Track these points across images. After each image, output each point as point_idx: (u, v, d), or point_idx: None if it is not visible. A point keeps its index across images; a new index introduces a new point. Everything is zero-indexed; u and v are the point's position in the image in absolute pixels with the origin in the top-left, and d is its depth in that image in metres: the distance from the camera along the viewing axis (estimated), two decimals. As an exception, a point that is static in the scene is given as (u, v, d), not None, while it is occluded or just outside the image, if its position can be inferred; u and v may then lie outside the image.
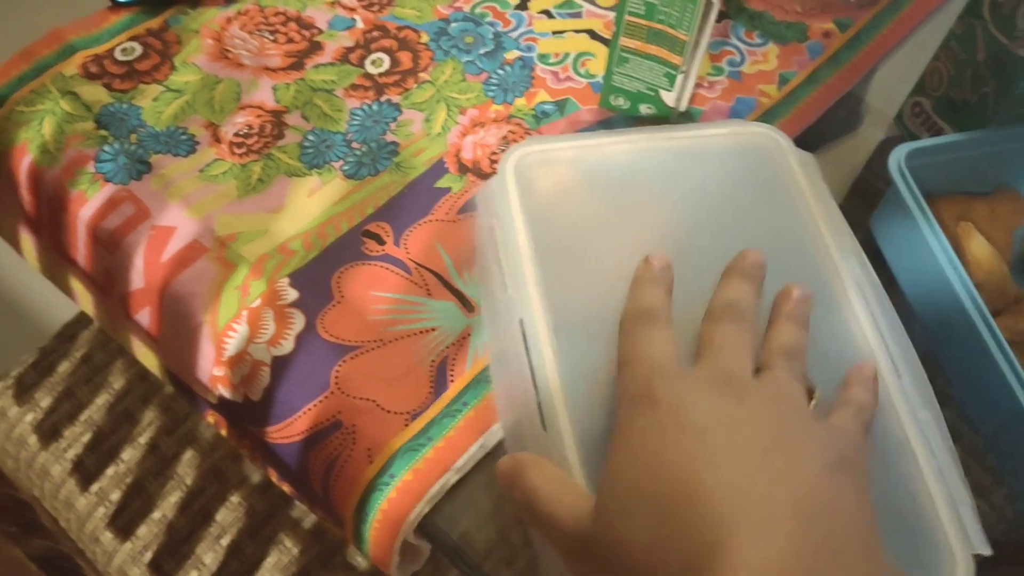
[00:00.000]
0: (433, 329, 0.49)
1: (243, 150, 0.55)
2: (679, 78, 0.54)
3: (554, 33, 0.62)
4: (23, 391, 0.84)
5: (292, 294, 0.50)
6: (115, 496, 0.78)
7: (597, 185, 0.47)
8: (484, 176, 0.55)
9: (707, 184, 0.48)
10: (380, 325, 0.49)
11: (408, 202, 0.54)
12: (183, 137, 0.55)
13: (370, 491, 0.45)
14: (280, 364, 0.48)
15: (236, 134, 0.55)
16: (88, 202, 0.52)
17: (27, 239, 0.58)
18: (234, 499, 0.76)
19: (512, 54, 0.61)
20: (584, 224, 0.46)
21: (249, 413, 0.49)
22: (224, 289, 0.50)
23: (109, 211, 0.52)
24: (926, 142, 0.50)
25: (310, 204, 0.53)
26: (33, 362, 0.85)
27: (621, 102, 0.58)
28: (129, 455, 0.79)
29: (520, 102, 0.58)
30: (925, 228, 0.48)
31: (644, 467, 0.33)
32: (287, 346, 0.48)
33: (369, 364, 0.48)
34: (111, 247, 0.52)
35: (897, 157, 0.50)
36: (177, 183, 0.53)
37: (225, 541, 0.75)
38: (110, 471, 0.79)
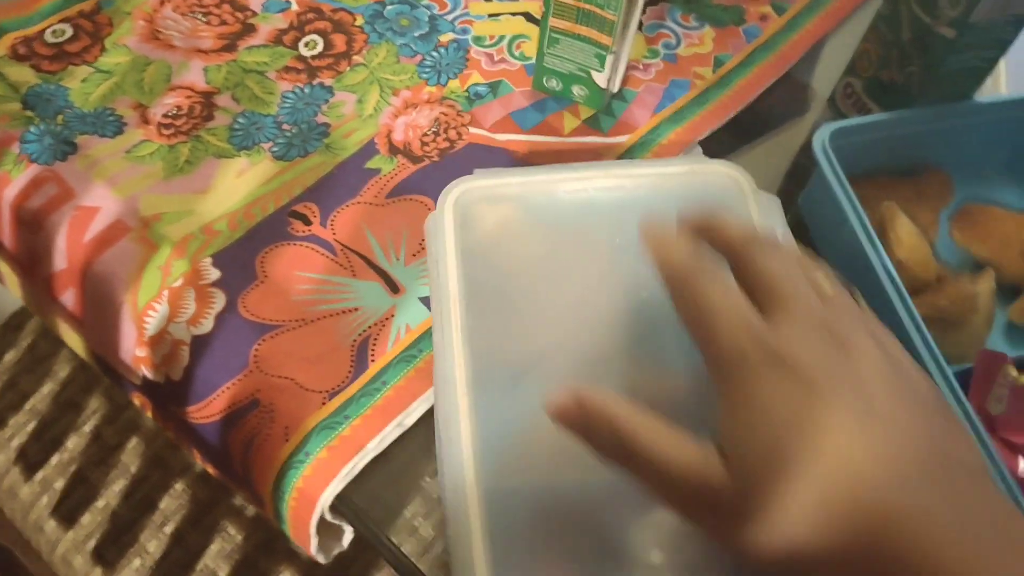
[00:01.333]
0: (356, 309, 0.49)
1: (171, 131, 0.55)
2: (609, 59, 0.54)
3: (490, 16, 0.62)
4: (-32, 379, 0.84)
5: (215, 274, 0.49)
6: (59, 484, 0.77)
7: (543, 226, 0.46)
8: (414, 158, 0.55)
9: None
10: (303, 305, 0.49)
11: (337, 183, 0.53)
12: (111, 118, 0.55)
13: (286, 469, 0.45)
14: (199, 343, 0.47)
15: (165, 115, 0.55)
16: (12, 183, 0.52)
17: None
18: (177, 487, 0.76)
19: (447, 36, 0.61)
20: (525, 268, 0.45)
21: (171, 393, 0.49)
22: (146, 269, 0.49)
23: (33, 191, 0.52)
24: (850, 121, 0.51)
25: (238, 185, 0.53)
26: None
27: (554, 84, 0.58)
28: (73, 443, 0.79)
29: (454, 84, 0.58)
30: (846, 207, 0.48)
31: (777, 424, 0.31)
32: (207, 325, 0.48)
33: (290, 343, 0.47)
34: (34, 227, 0.51)
35: (821, 137, 0.50)
36: (103, 163, 0.53)
37: (168, 529, 0.75)
38: (54, 460, 0.78)
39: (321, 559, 0.49)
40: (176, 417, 0.49)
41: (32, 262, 0.53)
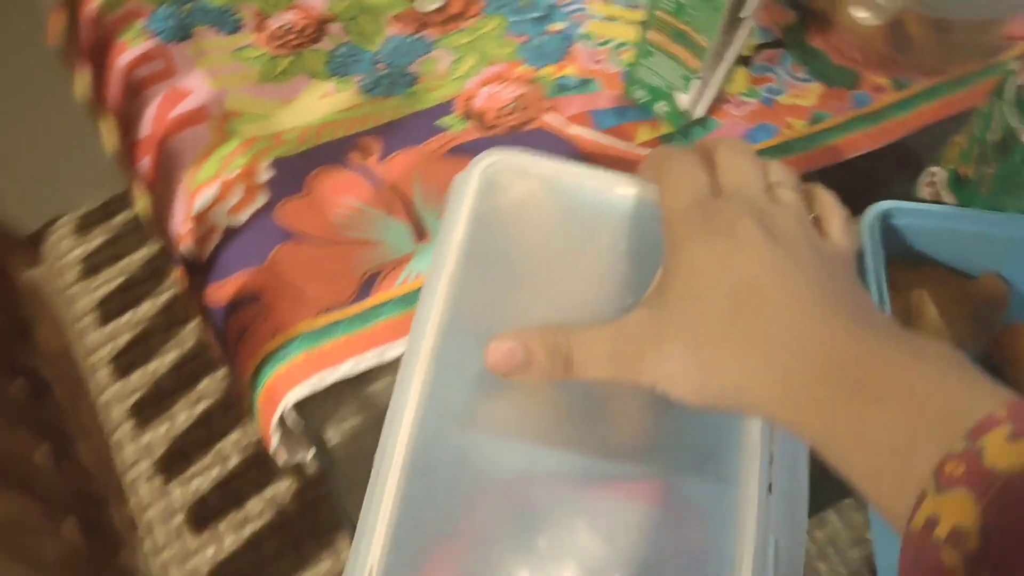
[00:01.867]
0: (380, 243, 0.52)
1: (279, 43, 0.59)
2: (695, 83, 0.55)
3: (606, 17, 0.63)
4: (83, 227, 0.92)
5: (267, 176, 0.53)
6: (123, 339, 0.84)
7: (559, 213, 0.47)
8: (484, 126, 0.57)
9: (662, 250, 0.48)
10: (334, 226, 0.52)
11: (406, 128, 0.56)
12: (232, 17, 0.60)
13: (264, 364, 0.48)
14: (231, 232, 0.51)
15: (279, 27, 0.60)
16: (129, 51, 0.58)
17: (81, 76, 0.64)
18: (219, 373, 0.81)
19: (557, 25, 0.62)
20: (529, 246, 0.46)
21: (198, 272, 0.53)
22: (211, 156, 0.54)
23: (143, 63, 0.57)
24: (904, 204, 0.49)
25: (319, 105, 0.57)
26: (101, 205, 0.93)
27: (641, 95, 0.59)
28: (147, 308, 0.86)
29: (548, 70, 0.60)
30: (872, 283, 0.47)
31: (712, 276, 0.36)
32: (242, 218, 0.52)
33: (307, 255, 0.51)
34: (135, 94, 0.57)
35: (873, 212, 0.49)
36: (209, 54, 0.58)
37: (200, 408, 0.81)
38: (127, 316, 0.85)
39: (280, 461, 0.53)
40: (198, 295, 0.54)
41: (127, 124, 0.58)
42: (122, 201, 0.93)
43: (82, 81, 0.64)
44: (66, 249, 0.90)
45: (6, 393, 0.61)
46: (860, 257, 0.48)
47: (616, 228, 0.47)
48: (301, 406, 0.49)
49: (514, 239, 0.47)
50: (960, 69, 0.64)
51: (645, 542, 0.41)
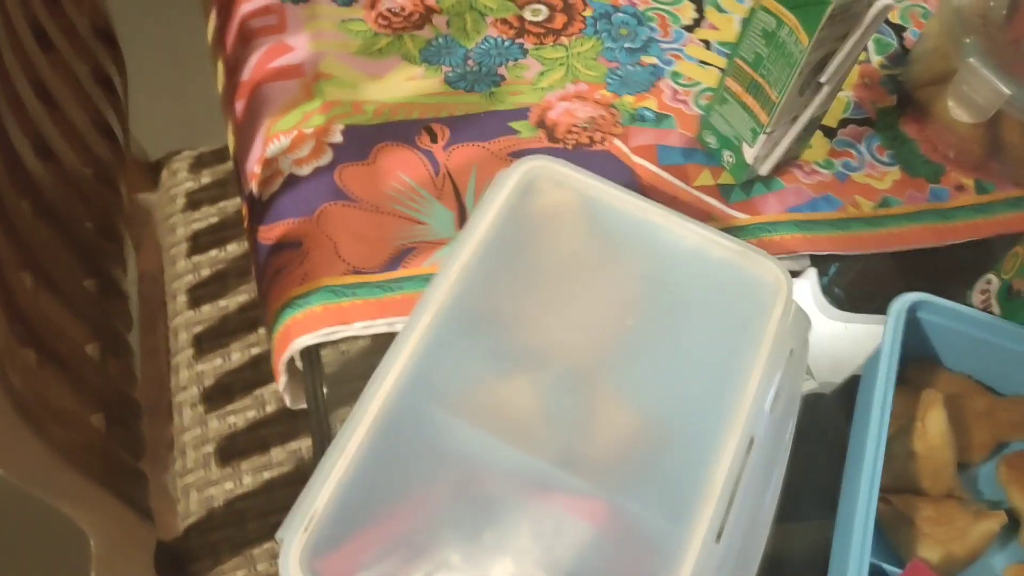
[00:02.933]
0: (423, 224, 0.54)
1: (385, 23, 0.63)
2: (762, 137, 0.55)
3: (700, 61, 0.64)
4: (197, 165, 0.99)
5: (338, 138, 0.57)
6: (205, 272, 0.90)
7: (587, 226, 0.49)
8: (552, 138, 0.59)
9: (678, 284, 0.48)
10: (385, 198, 0.55)
11: (478, 124, 0.59)
12: (350, -9, 0.64)
13: (286, 307, 0.51)
14: (292, 180, 0.55)
15: (388, 9, 0.63)
16: (248, 2, 0.62)
17: (210, 20, 0.70)
18: (277, 323, 0.86)
19: (650, 59, 0.64)
20: (549, 250, 0.48)
21: (257, 209, 0.57)
22: (294, 109, 0.58)
23: (259, 15, 0.62)
24: (935, 299, 0.49)
25: (403, 86, 0.60)
26: (217, 150, 0.99)
27: (712, 141, 0.59)
28: (233, 248, 0.91)
29: (628, 99, 0.62)
30: (883, 368, 0.47)
31: None
32: (306, 170, 0.55)
33: (353, 217, 0.54)
34: (246, 42, 0.62)
35: (903, 302, 0.49)
36: (319, 19, 0.62)
37: (254, 351, 0.85)
38: (212, 252, 0.91)
39: (286, 400, 0.56)
40: (252, 231, 0.58)
41: (234, 67, 0.63)
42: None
43: (210, 25, 0.70)
44: (179, 181, 0.97)
45: (77, 287, 0.67)
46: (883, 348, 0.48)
47: (636, 252, 0.48)
48: (310, 355, 0.52)
49: (537, 242, 0.48)
50: (1051, 186, 0.62)
51: (580, 558, 0.42)
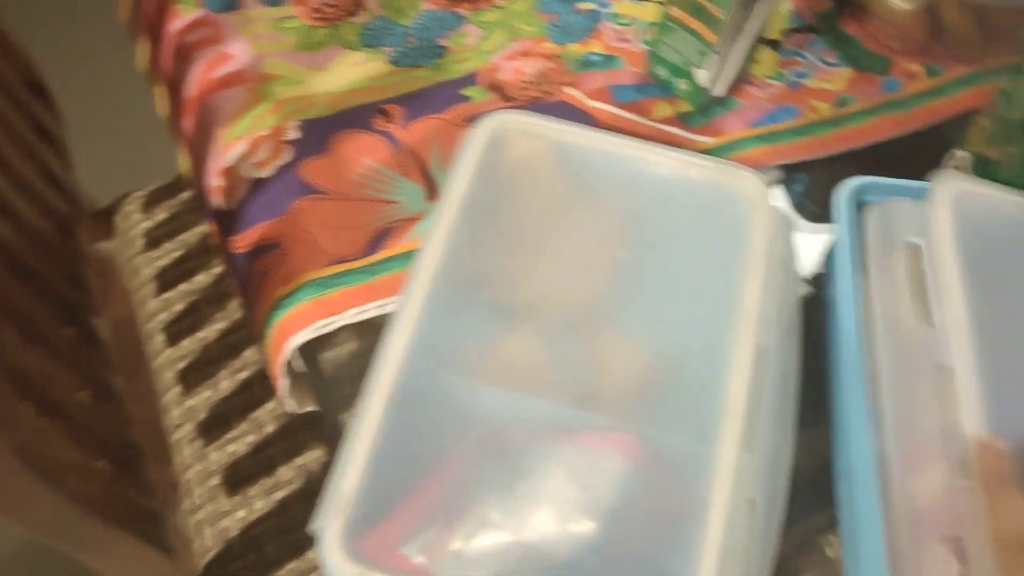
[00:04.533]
0: (394, 203, 0.54)
1: (318, 16, 0.62)
2: (713, 58, 0.56)
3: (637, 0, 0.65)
4: (150, 204, 0.97)
5: (294, 135, 0.56)
6: (178, 308, 0.89)
7: (560, 170, 0.49)
8: (505, 97, 0.59)
9: (660, 211, 0.48)
10: (353, 184, 0.54)
11: (429, 97, 0.59)
12: (277, -9, 0.63)
13: (275, 308, 0.51)
14: (257, 184, 0.54)
15: (320, 2, 0.63)
16: (180, 18, 0.62)
17: (142, 47, 0.68)
18: (262, 343, 0.85)
19: (587, 5, 0.64)
20: (528, 201, 0.48)
21: (226, 221, 0.56)
22: (245, 114, 0.57)
23: (193, 30, 0.61)
24: (881, 180, 0.49)
25: (349, 73, 0.59)
26: (167, 184, 0.98)
27: (663, 73, 0.59)
28: (201, 279, 0.90)
29: (573, 48, 0.62)
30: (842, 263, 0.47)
31: None
32: (268, 172, 0.55)
33: (325, 209, 0.53)
34: (184, 58, 0.61)
35: (848, 187, 0.50)
36: (254, 24, 0.61)
37: (242, 376, 0.84)
38: (182, 287, 0.90)
39: (290, 406, 0.55)
40: (225, 244, 0.57)
41: (176, 86, 0.62)
42: (186, 181, 0.98)
43: (142, 52, 0.69)
44: (135, 223, 0.95)
45: (60, 337, 0.65)
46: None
47: (614, 188, 0.48)
48: (306, 352, 0.51)
49: (516, 195, 0.48)
50: (996, 58, 0.63)
51: (618, 492, 0.42)
